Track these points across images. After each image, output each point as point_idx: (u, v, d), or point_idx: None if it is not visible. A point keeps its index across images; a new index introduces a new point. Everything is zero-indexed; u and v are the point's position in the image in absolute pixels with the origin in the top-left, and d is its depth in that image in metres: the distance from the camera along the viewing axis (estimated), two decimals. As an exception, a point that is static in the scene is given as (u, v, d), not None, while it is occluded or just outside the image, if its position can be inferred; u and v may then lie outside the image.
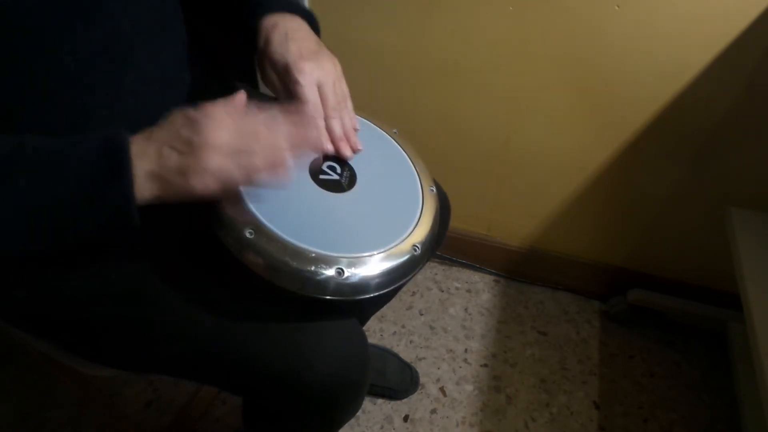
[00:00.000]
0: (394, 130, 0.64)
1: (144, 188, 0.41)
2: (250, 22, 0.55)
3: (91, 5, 0.46)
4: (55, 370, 0.69)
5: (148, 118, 0.45)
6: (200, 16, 0.62)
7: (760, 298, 0.72)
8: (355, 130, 0.57)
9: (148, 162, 0.41)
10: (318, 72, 0.52)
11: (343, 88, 0.56)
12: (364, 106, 0.59)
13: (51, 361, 0.64)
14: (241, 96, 0.46)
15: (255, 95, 0.74)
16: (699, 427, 1.00)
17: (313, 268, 0.45)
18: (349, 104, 0.56)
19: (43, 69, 0.45)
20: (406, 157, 0.61)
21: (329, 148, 0.53)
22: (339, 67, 0.55)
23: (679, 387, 1.07)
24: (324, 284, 0.46)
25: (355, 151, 0.55)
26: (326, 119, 0.53)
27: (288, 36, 0.53)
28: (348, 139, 0.55)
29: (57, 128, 0.46)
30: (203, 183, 0.41)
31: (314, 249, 0.46)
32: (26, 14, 0.42)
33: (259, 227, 0.45)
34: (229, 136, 0.41)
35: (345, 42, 1.00)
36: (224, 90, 0.67)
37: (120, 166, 0.40)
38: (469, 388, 1.06)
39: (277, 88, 0.54)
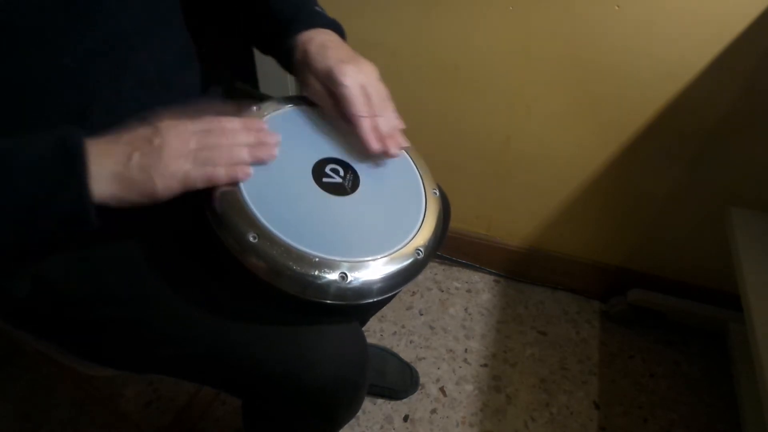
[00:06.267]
0: None
1: (103, 187, 0.41)
2: (285, 41, 0.57)
3: (92, 5, 0.46)
4: (55, 370, 0.69)
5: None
6: (200, 16, 0.62)
7: (760, 298, 0.72)
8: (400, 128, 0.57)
9: (114, 162, 0.42)
10: (360, 74, 0.54)
11: (383, 89, 0.56)
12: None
13: (51, 361, 0.64)
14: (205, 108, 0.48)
15: (254, 95, 0.74)
16: (699, 427, 1.00)
17: (316, 273, 0.45)
18: (391, 104, 0.57)
19: (43, 69, 0.45)
20: (409, 159, 0.60)
21: (376, 147, 0.54)
22: (377, 71, 0.56)
23: (679, 387, 1.07)
24: (326, 288, 0.45)
25: (401, 148, 0.56)
26: (373, 118, 0.54)
27: (324, 45, 0.55)
28: (394, 137, 0.55)
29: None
30: (165, 184, 0.43)
31: (317, 253, 0.46)
32: (27, 14, 0.42)
33: (262, 231, 0.45)
34: (191, 141, 0.45)
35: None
36: (224, 90, 0.67)
37: (74, 165, 0.40)
38: (469, 388, 1.06)
39: (322, 95, 0.55)
